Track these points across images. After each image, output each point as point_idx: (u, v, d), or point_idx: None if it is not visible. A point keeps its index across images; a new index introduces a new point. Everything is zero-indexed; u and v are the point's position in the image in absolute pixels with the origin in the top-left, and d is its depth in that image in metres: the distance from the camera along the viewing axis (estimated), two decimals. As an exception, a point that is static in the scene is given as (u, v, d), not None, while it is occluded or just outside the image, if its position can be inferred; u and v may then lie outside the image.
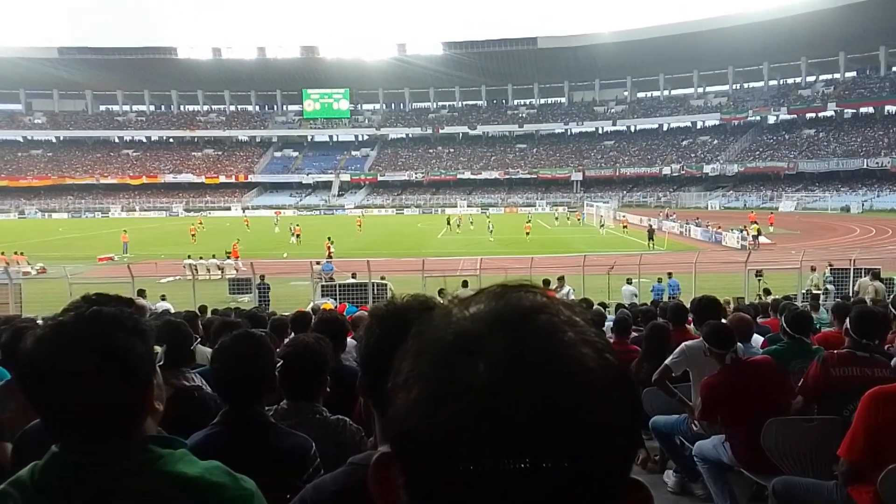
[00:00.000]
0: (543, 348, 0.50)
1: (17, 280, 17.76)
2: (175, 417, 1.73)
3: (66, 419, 1.16)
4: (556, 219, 49.57)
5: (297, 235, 39.73)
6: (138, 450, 1.18)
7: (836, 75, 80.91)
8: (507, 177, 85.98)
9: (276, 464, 1.98)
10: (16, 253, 28.26)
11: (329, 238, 30.19)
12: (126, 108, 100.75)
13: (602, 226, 46.38)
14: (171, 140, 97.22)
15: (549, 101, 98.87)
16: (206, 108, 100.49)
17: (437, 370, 0.51)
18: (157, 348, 1.33)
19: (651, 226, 37.81)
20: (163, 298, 15.50)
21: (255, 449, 2.00)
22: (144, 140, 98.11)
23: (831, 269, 17.25)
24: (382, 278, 17.77)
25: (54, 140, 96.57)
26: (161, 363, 1.31)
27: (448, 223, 49.91)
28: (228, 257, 26.88)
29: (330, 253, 27.64)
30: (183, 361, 2.97)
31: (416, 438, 0.49)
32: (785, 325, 4.76)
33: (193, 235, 41.04)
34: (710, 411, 4.17)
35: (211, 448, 1.95)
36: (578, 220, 56.07)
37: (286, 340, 4.81)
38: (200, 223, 56.65)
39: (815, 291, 15.07)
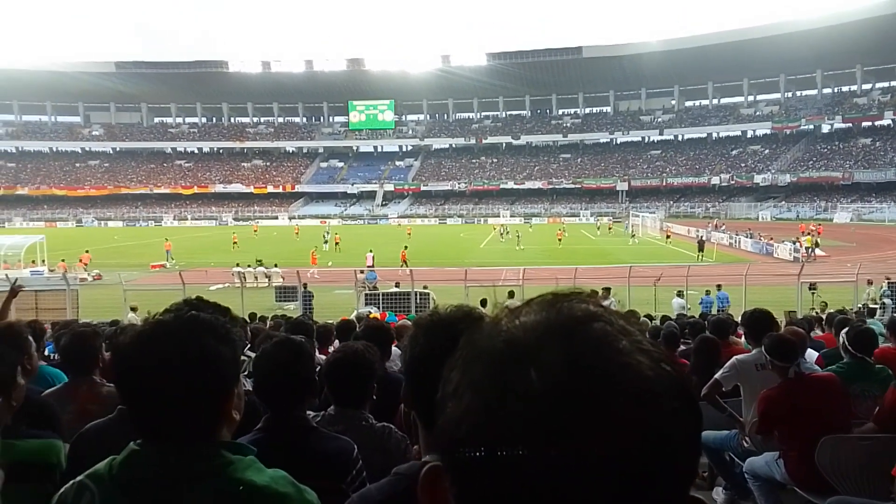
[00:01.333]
0: (598, 357, 0.49)
1: (74, 286, 18.42)
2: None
3: (152, 414, 1.21)
4: (598, 229, 49.05)
5: (337, 243, 41.01)
6: (213, 454, 1.22)
7: (893, 83, 78.19)
8: (550, 187, 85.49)
9: (320, 467, 2.00)
10: (83, 256, 29.46)
11: (370, 249, 30.66)
12: (179, 120, 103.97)
13: (633, 235, 46.02)
14: (221, 151, 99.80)
15: (594, 111, 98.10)
16: (255, 119, 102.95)
17: (489, 379, 0.51)
18: (245, 357, 1.38)
19: (701, 237, 37.15)
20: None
21: (297, 453, 2.02)
22: (196, 151, 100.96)
23: (889, 283, 16.64)
24: (425, 287, 17.84)
25: (111, 151, 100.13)
26: (246, 373, 1.36)
27: (501, 234, 49.41)
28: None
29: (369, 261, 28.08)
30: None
31: (469, 448, 0.49)
32: (847, 343, 4.57)
33: (235, 243, 42.46)
34: (767, 426, 4.06)
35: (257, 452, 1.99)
36: (610, 229, 55.56)
37: (333, 347, 4.88)
38: (255, 231, 58.75)
39: (871, 305, 14.56)
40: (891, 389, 3.91)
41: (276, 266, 25.94)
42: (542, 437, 0.46)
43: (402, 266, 26.77)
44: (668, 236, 44.73)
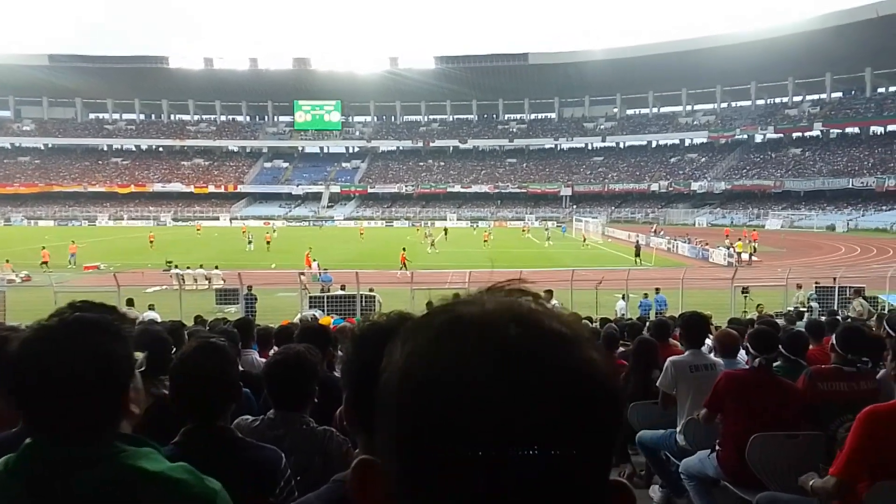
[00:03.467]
0: (534, 346, 0.50)
1: (2, 288, 17.59)
2: (152, 426, 1.73)
3: (46, 415, 1.22)
4: (549, 240, 49.26)
5: (268, 242, 41.90)
6: (106, 443, 1.23)
7: (823, 95, 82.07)
8: (496, 191, 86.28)
9: (245, 480, 1.85)
10: (7, 261, 28.06)
11: (309, 248, 30.48)
12: (116, 116, 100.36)
13: (584, 240, 47.65)
14: (160, 149, 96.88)
15: (540, 117, 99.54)
16: (196, 117, 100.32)
17: (431, 346, 0.51)
18: (139, 354, 1.37)
19: (638, 241, 38.05)
20: (151, 308, 15.36)
21: (219, 465, 1.84)
22: (134, 149, 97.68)
23: (817, 288, 17.41)
24: (371, 290, 17.73)
25: (42, 147, 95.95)
26: (142, 369, 1.34)
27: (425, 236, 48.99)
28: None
29: (308, 263, 27.67)
30: (162, 370, 2.95)
31: (414, 415, 0.49)
32: (781, 346, 4.77)
33: (151, 242, 42.36)
34: (718, 404, 4.17)
35: None
36: (525, 231, 57.69)
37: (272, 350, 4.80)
38: (198, 230, 57.92)
39: (801, 309, 15.20)
40: (801, 377, 4.10)
41: (216, 268, 25.33)
42: (495, 434, 0.46)
43: (401, 269, 26.62)
44: (583, 239, 47.75)
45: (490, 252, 38.26)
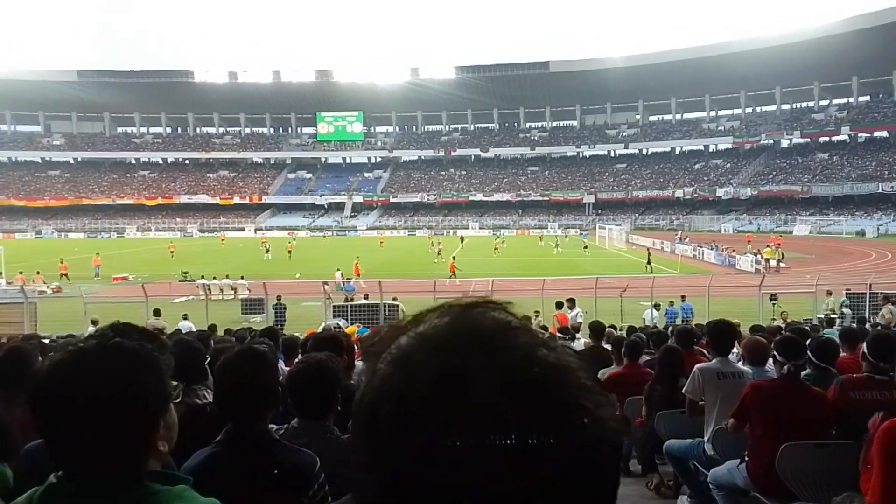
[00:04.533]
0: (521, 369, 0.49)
1: (33, 299, 17.93)
2: (186, 435, 1.74)
3: (70, 446, 1.15)
4: (557, 246, 48.94)
5: (289, 251, 42.57)
6: (136, 484, 1.17)
7: (850, 99, 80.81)
8: (518, 199, 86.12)
9: (281, 481, 1.96)
10: (38, 273, 28.65)
11: (357, 257, 31.39)
12: (143, 130, 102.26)
13: (586, 247, 48.18)
14: (186, 162, 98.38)
15: (561, 125, 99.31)
16: (221, 130, 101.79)
17: (398, 364, 0.51)
18: (174, 383, 1.32)
19: (649, 249, 37.59)
20: (185, 318, 15.58)
21: (258, 466, 1.98)
22: (160, 161, 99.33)
23: (847, 294, 17.07)
24: (394, 299, 17.77)
25: (72, 161, 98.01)
26: (178, 400, 1.31)
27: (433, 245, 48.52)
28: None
29: (357, 272, 28.19)
30: (195, 379, 2.98)
31: (392, 421, 0.47)
32: (810, 353, 4.67)
33: (172, 252, 43.66)
34: (745, 415, 4.10)
35: (213, 467, 1.93)
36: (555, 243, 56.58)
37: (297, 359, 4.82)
38: (223, 241, 58.95)
39: (831, 316, 14.92)
40: (832, 387, 4.01)
41: (242, 278, 25.59)
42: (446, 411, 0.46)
43: (451, 277, 26.91)
44: (584, 246, 48.11)
45: (500, 260, 38.17)
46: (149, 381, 1.20)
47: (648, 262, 33.80)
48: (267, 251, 43.41)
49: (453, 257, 31.00)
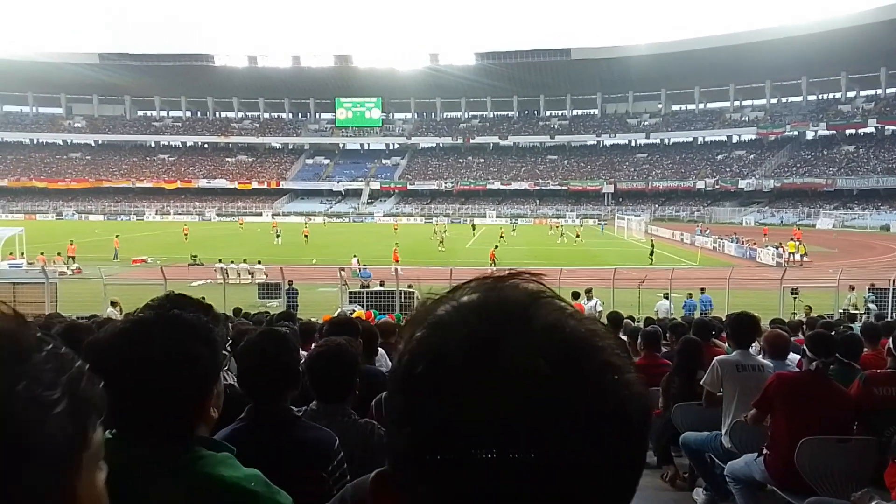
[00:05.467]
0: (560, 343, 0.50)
1: (54, 279, 18.18)
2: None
3: (128, 411, 1.20)
4: (562, 236, 49.15)
5: (305, 236, 43.78)
6: (186, 449, 1.24)
7: (878, 91, 79.26)
8: (537, 188, 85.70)
9: (302, 457, 2.02)
10: (59, 254, 29.03)
11: (396, 244, 32.13)
12: (163, 113, 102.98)
13: (578, 236, 48.15)
14: (205, 146, 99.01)
15: (582, 113, 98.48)
16: (240, 114, 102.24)
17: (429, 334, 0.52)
18: (225, 353, 1.38)
19: (653, 241, 37.20)
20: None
21: (279, 443, 2.04)
22: (180, 145, 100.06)
23: (871, 289, 16.82)
24: (410, 286, 17.81)
25: (93, 144, 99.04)
26: (226, 368, 1.35)
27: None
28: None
29: (396, 258, 28.68)
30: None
31: (435, 451, 0.48)
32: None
33: (186, 235, 44.79)
34: (767, 405, 4.05)
35: (236, 442, 1.96)
36: (557, 229, 56.58)
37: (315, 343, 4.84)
38: (241, 224, 59.67)
39: (853, 311, 14.72)
40: (855, 382, 3.95)
41: (259, 263, 25.77)
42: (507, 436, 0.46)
43: (491, 265, 27.15)
44: (577, 236, 48.10)
45: (516, 250, 38.05)
46: (203, 351, 1.27)
47: (651, 254, 33.12)
48: (277, 236, 44.16)
49: (496, 246, 31.39)
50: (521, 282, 0.56)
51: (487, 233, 52.36)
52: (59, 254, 29.01)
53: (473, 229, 55.88)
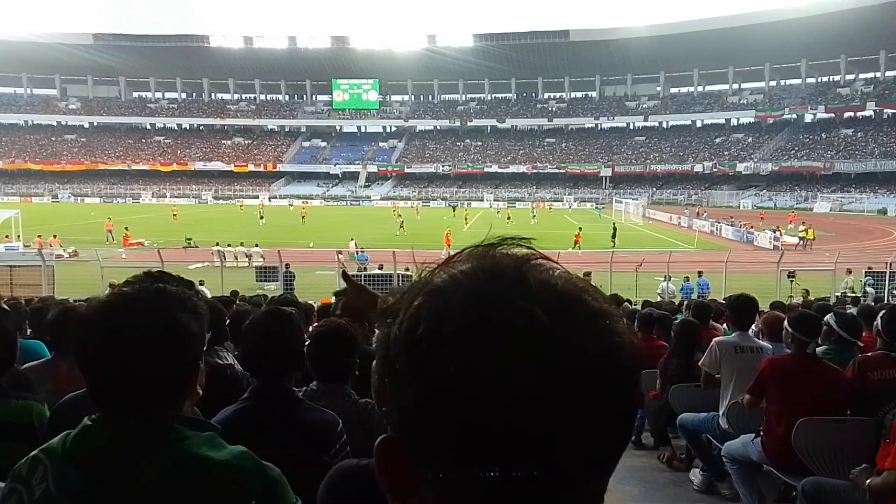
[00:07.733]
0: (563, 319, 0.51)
1: (50, 262, 18.15)
2: (207, 394, 1.76)
3: (114, 388, 1.18)
4: (534, 218, 48.88)
5: (303, 217, 45.17)
6: (169, 429, 1.20)
7: (877, 74, 78.95)
8: (534, 171, 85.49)
9: (305, 438, 2.02)
10: (54, 236, 28.89)
11: (448, 228, 32.18)
12: (158, 95, 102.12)
13: (533, 216, 49.17)
14: (201, 128, 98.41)
15: (580, 96, 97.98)
16: (236, 96, 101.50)
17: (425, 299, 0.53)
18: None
19: (615, 224, 36.88)
20: (201, 283, 15.70)
21: (282, 423, 2.04)
22: (176, 127, 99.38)
23: (868, 273, 16.89)
24: (407, 270, 17.81)
25: (87, 125, 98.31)
26: (205, 347, 1.34)
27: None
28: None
29: (448, 242, 28.43)
30: (216, 340, 3.01)
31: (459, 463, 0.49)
32: (839, 329, 4.58)
33: (174, 215, 46.13)
34: (762, 390, 4.07)
35: (240, 422, 1.97)
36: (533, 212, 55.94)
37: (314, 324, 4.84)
38: (241, 207, 59.94)
39: (850, 294, 14.77)
40: (849, 367, 3.97)
41: (256, 246, 25.73)
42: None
43: (573, 248, 27.59)
44: (532, 215, 49.53)
45: (473, 232, 37.92)
46: (191, 323, 1.24)
47: (614, 237, 32.16)
48: (261, 217, 45.60)
49: (580, 228, 32.18)
50: (511, 245, 0.57)
51: (488, 216, 52.26)
52: (54, 236, 28.90)
53: (454, 212, 55.45)
